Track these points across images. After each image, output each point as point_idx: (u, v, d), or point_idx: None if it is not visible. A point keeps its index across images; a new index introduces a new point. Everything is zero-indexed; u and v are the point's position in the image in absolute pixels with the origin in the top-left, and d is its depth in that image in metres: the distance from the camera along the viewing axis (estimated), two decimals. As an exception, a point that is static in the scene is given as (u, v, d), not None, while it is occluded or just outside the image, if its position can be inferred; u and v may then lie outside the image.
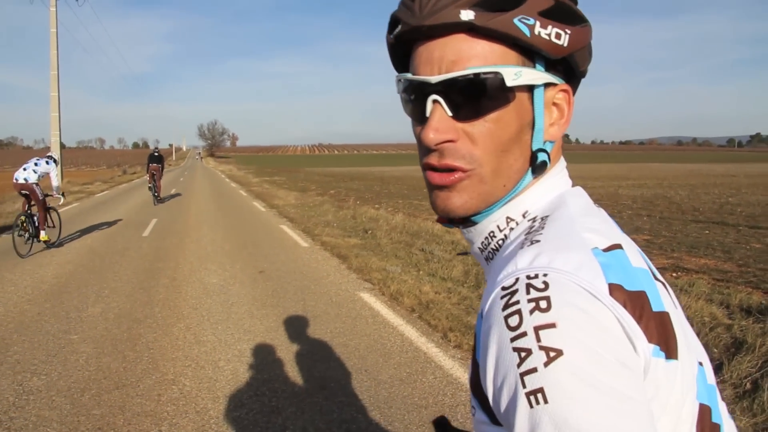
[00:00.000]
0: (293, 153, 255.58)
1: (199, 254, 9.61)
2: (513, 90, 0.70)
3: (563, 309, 0.58)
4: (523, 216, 0.76)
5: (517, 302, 0.60)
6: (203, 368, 4.53)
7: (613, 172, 45.17)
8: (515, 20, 0.67)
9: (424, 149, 0.73)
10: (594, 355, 0.56)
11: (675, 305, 0.70)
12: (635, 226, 12.94)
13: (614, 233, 0.71)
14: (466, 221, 0.79)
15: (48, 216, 10.32)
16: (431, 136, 0.70)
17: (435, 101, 0.71)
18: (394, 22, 0.76)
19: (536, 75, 0.71)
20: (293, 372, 4.44)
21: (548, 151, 0.75)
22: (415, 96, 0.74)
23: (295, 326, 5.57)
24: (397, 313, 5.99)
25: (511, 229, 0.76)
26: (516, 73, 0.69)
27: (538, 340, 0.56)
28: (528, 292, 0.60)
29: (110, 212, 16.15)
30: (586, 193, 0.80)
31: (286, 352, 4.88)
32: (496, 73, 0.68)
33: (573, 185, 0.81)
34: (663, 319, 0.65)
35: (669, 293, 0.71)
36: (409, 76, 0.74)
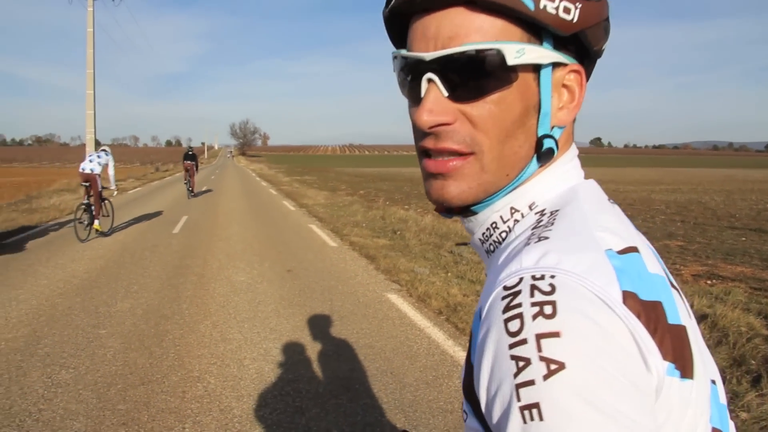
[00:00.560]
0: (324, 153, 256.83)
1: (228, 252, 9.66)
2: (516, 69, 0.63)
3: (570, 317, 0.52)
4: (530, 208, 0.70)
5: (520, 305, 0.53)
6: (228, 366, 4.52)
7: (647, 177, 44.46)
8: None
9: (420, 133, 0.68)
10: (600, 372, 0.50)
11: (690, 316, 0.64)
12: (668, 231, 12.67)
13: (630, 234, 0.65)
14: (465, 211, 0.73)
15: (102, 206, 11.27)
16: (424, 118, 0.64)
17: (430, 80, 0.65)
18: None
19: (542, 53, 0.64)
20: (318, 372, 4.41)
21: (556, 137, 0.68)
22: (411, 75, 0.68)
23: (322, 326, 5.55)
24: (424, 315, 5.93)
25: (516, 221, 0.70)
26: (518, 51, 0.62)
27: (539, 349, 0.50)
28: (532, 295, 0.54)
29: (141, 209, 16.35)
30: (602, 188, 0.74)
31: (312, 351, 4.86)
32: (496, 50, 0.62)
33: (586, 178, 0.74)
34: (680, 333, 0.58)
35: (684, 302, 0.65)
36: (403, 52, 0.68)
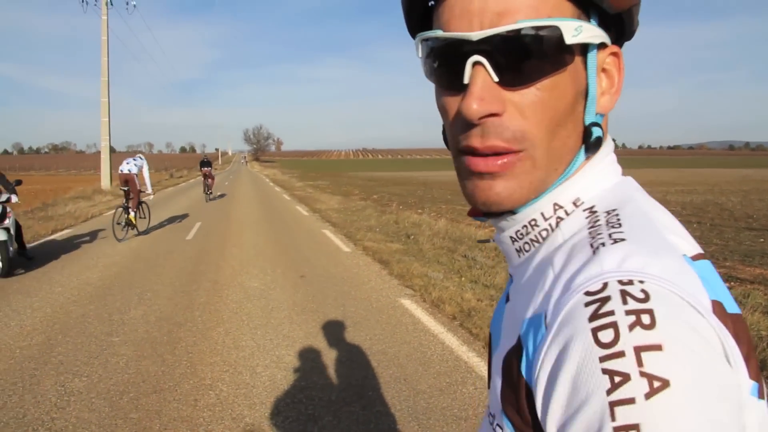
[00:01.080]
0: (337, 157, 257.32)
1: (241, 258, 9.66)
2: (572, 49, 0.58)
3: (672, 327, 0.46)
4: (574, 204, 0.63)
5: (612, 312, 0.47)
6: (241, 374, 4.50)
7: (661, 178, 44.07)
8: None
9: (461, 126, 0.60)
10: (708, 391, 0.44)
11: None
12: (686, 233, 12.53)
13: (691, 237, 0.59)
14: (504, 212, 0.65)
15: (140, 208, 12.47)
16: (474, 107, 0.56)
17: (477, 63, 0.57)
18: None
19: (595, 32, 0.59)
20: (331, 379, 4.37)
21: (601, 125, 0.63)
22: (448, 58, 0.60)
23: (335, 332, 5.52)
24: (438, 320, 5.88)
25: (560, 218, 0.63)
26: (576, 28, 0.56)
27: (640, 364, 0.44)
28: (625, 302, 0.47)
29: (155, 216, 16.42)
30: None
31: (325, 358, 4.82)
32: (555, 27, 0.56)
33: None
34: (755, 349, 0.53)
35: None
36: (439, 33, 0.60)
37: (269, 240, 11.86)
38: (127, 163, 12.19)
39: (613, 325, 0.47)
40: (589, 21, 0.59)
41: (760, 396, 0.51)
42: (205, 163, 24.02)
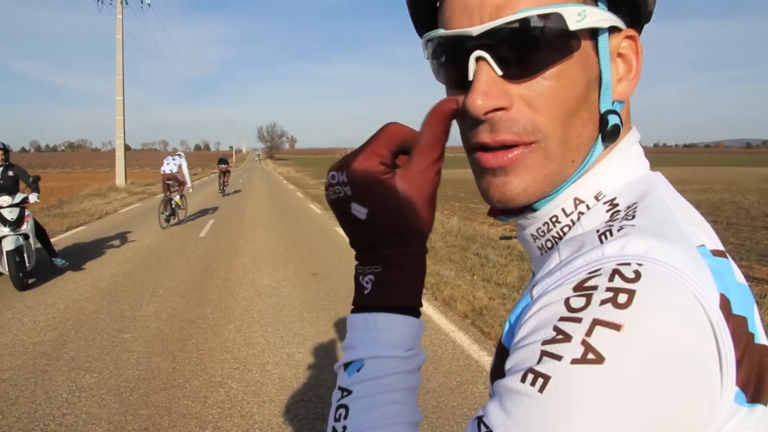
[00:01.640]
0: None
1: (254, 255, 9.68)
2: (577, 35, 0.55)
3: (642, 314, 0.43)
4: (596, 198, 0.60)
5: (594, 287, 0.46)
6: (251, 371, 4.50)
7: (677, 176, 43.66)
8: None
9: (469, 123, 0.59)
10: (642, 393, 0.42)
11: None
12: (701, 232, 12.42)
13: (715, 236, 0.56)
14: (524, 210, 0.63)
15: (181, 199, 14.10)
16: (479, 102, 0.55)
17: (479, 58, 0.56)
18: None
19: (602, 15, 0.56)
20: (341, 377, 4.35)
21: (619, 112, 0.60)
22: (452, 56, 0.59)
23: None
24: (449, 318, 5.85)
25: (581, 213, 0.61)
26: (580, 13, 0.54)
27: (588, 334, 0.43)
28: (611, 279, 0.46)
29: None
30: None
31: (335, 356, 4.81)
32: (556, 14, 0.54)
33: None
34: (763, 353, 0.50)
35: None
36: (441, 32, 0.59)
37: (282, 237, 11.87)
38: (168, 164, 13.71)
39: (588, 296, 0.46)
40: (597, 5, 0.57)
41: (754, 399, 0.48)
42: (222, 160, 25.78)
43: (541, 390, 0.43)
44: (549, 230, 0.63)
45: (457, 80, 0.59)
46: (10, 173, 7.64)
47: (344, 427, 0.55)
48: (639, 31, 0.62)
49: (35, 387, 4.20)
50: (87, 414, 3.78)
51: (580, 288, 0.47)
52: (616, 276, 0.46)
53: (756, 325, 0.51)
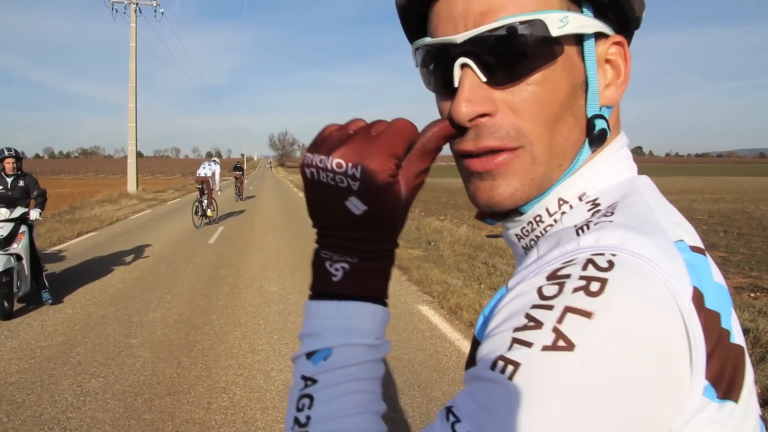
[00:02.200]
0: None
1: (262, 262, 9.70)
2: (560, 41, 0.56)
3: (614, 302, 0.44)
4: (580, 198, 0.61)
5: (567, 276, 0.47)
6: (255, 377, 4.51)
7: (689, 186, 43.41)
8: None
9: (456, 130, 0.59)
10: (604, 385, 0.42)
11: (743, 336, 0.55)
12: (710, 242, 12.32)
13: (696, 235, 0.56)
14: (511, 213, 0.64)
15: (213, 201, 15.43)
16: (463, 109, 0.56)
17: (464, 65, 0.57)
18: None
19: (586, 21, 0.57)
20: (344, 384, 4.35)
21: (606, 117, 0.61)
22: (438, 64, 0.60)
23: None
24: (455, 327, 5.84)
25: (564, 213, 0.61)
26: (562, 20, 0.55)
27: (559, 321, 0.44)
28: (585, 268, 0.47)
29: (180, 220, 16.58)
30: None
31: (339, 363, 4.81)
32: (537, 20, 0.55)
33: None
34: (737, 354, 0.50)
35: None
36: (427, 40, 0.60)
37: (290, 244, 11.89)
38: (203, 168, 15.40)
39: (561, 285, 0.47)
40: (582, 11, 0.58)
41: (726, 396, 0.48)
42: (238, 168, 26.80)
43: (510, 377, 0.43)
44: (533, 230, 0.64)
45: (445, 87, 0.60)
46: (21, 183, 6.83)
47: (308, 417, 0.54)
48: (629, 37, 0.63)
49: (41, 391, 4.23)
50: (91, 418, 3.80)
51: (553, 276, 0.48)
52: (590, 265, 0.47)
53: (732, 323, 0.51)
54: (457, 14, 0.57)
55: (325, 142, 0.57)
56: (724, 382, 0.48)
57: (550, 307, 0.45)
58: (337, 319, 0.58)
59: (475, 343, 0.60)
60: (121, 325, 5.90)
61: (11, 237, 6.37)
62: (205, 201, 14.96)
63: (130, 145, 28.08)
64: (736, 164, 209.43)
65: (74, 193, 29.95)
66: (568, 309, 0.44)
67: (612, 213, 0.55)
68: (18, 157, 6.85)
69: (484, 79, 0.56)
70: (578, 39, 0.58)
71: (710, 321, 0.48)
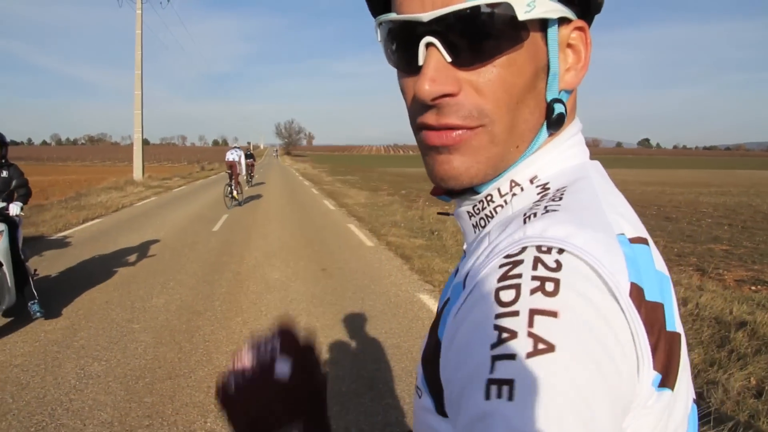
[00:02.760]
0: (368, 153, 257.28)
1: (265, 250, 9.76)
2: (526, 25, 0.56)
3: (572, 299, 0.46)
4: (531, 182, 0.62)
5: (519, 275, 0.48)
6: (255, 362, 4.56)
7: (696, 179, 43.26)
8: None
9: (418, 107, 0.60)
10: (591, 367, 0.43)
11: (680, 323, 0.57)
12: (714, 235, 12.31)
13: (639, 224, 0.58)
14: (467, 191, 0.65)
15: (239, 185, 17.27)
16: (426, 88, 0.55)
17: (429, 45, 0.56)
18: None
19: (552, 6, 0.57)
20: (342, 371, 4.41)
21: (564, 102, 0.62)
22: (403, 41, 0.59)
23: (351, 325, 5.56)
24: (454, 316, 5.87)
25: (514, 195, 0.62)
26: (529, 3, 0.55)
27: (530, 325, 0.44)
28: (535, 268, 0.48)
29: (185, 207, 16.67)
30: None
31: (338, 350, 4.87)
32: (506, 3, 0.54)
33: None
34: (673, 341, 0.53)
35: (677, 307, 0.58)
36: (393, 16, 0.59)
37: (294, 233, 11.94)
38: (231, 153, 17.45)
39: (516, 287, 0.47)
40: None
41: (666, 385, 0.51)
42: (249, 155, 27.48)
43: (510, 398, 0.42)
44: (483, 208, 0.65)
45: (408, 64, 0.60)
46: (4, 174, 5.72)
47: None
48: (589, 22, 0.64)
49: (45, 373, 4.30)
50: (93, 400, 3.87)
51: (505, 277, 0.49)
52: (539, 265, 0.48)
53: (672, 311, 0.54)
54: None
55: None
56: (666, 372, 0.51)
57: (515, 313, 0.46)
58: None
59: (434, 341, 0.59)
60: (125, 310, 5.97)
61: None
62: (233, 183, 16.69)
63: (136, 133, 28.12)
64: (744, 157, 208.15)
65: (81, 179, 30.07)
66: (534, 311, 0.45)
67: (560, 198, 0.56)
68: (3, 143, 5.64)
69: (449, 59, 0.56)
70: (543, 23, 0.58)
71: (652, 313, 0.50)
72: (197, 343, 5.00)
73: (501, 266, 0.50)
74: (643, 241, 0.56)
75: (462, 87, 0.57)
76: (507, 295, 0.47)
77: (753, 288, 7.30)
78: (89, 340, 5.04)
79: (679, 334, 0.54)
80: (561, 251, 0.49)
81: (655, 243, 0.60)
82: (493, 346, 0.45)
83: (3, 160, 5.73)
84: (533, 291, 0.46)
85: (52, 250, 9.29)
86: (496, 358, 0.44)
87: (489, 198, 0.64)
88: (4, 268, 5.31)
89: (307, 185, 30.75)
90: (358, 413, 3.72)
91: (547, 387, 0.42)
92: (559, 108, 0.61)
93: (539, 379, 0.42)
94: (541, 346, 0.43)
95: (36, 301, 5.53)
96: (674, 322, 0.53)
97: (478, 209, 0.65)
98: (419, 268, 8.18)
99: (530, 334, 0.44)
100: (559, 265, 0.48)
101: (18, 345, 4.88)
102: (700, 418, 2.90)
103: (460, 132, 0.58)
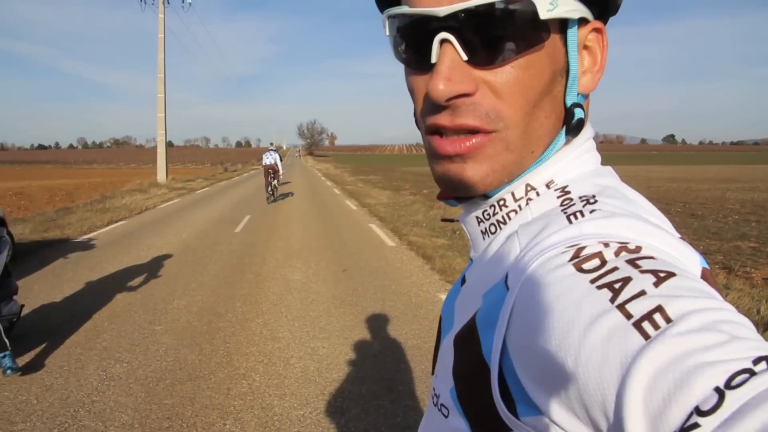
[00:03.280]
0: (390, 152, 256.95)
1: (286, 251, 9.78)
2: (548, 25, 0.54)
3: (660, 253, 0.46)
4: (547, 186, 0.60)
5: (598, 253, 0.47)
6: (275, 364, 4.57)
7: (722, 175, 42.52)
8: None
9: (429, 107, 0.56)
10: (702, 286, 0.44)
11: None
12: (741, 232, 12.07)
13: (672, 228, 0.56)
14: (476, 197, 0.62)
15: (277, 182, 19.39)
16: (441, 87, 0.52)
17: (444, 41, 0.53)
18: None
19: (573, 6, 0.55)
20: (362, 372, 4.40)
21: (583, 105, 0.59)
22: (415, 36, 0.56)
23: (371, 326, 5.54)
24: (475, 316, 5.82)
25: (530, 199, 0.60)
26: (551, 2, 0.52)
27: (636, 266, 0.43)
28: (607, 246, 0.47)
29: (208, 209, 16.80)
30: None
31: (358, 351, 4.85)
32: (528, 1, 0.51)
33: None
34: None
35: None
36: (405, 9, 0.56)
37: (316, 233, 11.96)
38: (267, 157, 18.70)
39: (598, 255, 0.46)
40: None
41: None
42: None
43: (669, 320, 0.39)
44: (495, 213, 0.62)
45: (419, 62, 0.57)
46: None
47: None
48: (605, 23, 0.61)
49: (68, 375, 4.34)
50: (115, 402, 3.89)
51: (578, 257, 0.47)
52: (614, 244, 0.48)
53: None
54: None
55: None
56: None
57: (614, 269, 0.45)
58: None
59: (476, 356, 0.55)
60: (147, 312, 6.02)
61: None
62: (274, 182, 18.70)
63: (160, 135, 28.43)
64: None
65: (106, 182, 30.49)
66: (633, 260, 0.45)
67: (595, 201, 0.55)
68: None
69: (465, 58, 0.53)
70: (563, 23, 0.56)
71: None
72: (218, 345, 5.01)
73: (564, 253, 0.49)
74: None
75: (478, 87, 0.54)
76: (591, 264, 0.46)
77: (782, 286, 7.14)
78: (111, 341, 5.09)
79: None
80: (639, 247, 0.48)
81: (682, 241, 0.58)
82: (613, 299, 0.42)
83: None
84: (618, 252, 0.47)
85: (77, 252, 9.41)
86: (624, 304, 0.41)
87: (502, 203, 0.61)
88: None
89: (329, 185, 30.81)
90: (377, 415, 3.70)
91: (692, 298, 0.41)
92: (578, 113, 0.58)
93: (683, 295, 0.41)
94: (662, 275, 0.43)
95: (8, 353, 4.25)
96: None
97: (488, 214, 0.63)
98: (440, 267, 8.14)
99: (644, 271, 0.43)
100: (651, 258, 0.46)
101: (42, 347, 4.94)
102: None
103: (474, 140, 0.55)
